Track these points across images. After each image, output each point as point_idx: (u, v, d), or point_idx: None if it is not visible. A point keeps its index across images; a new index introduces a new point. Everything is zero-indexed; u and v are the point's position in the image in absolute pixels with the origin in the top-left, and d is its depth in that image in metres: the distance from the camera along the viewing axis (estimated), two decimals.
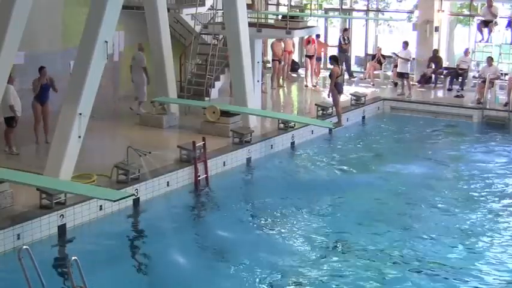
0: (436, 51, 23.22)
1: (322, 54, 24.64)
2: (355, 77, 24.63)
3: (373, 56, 24.69)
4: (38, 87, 15.10)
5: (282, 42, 23.22)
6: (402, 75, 21.85)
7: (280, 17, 20.83)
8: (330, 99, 18.34)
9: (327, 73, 21.17)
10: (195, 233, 12.16)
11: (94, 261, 10.10)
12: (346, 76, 23.86)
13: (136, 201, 12.92)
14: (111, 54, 16.97)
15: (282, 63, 23.29)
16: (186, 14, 20.79)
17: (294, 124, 17.27)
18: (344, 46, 24.38)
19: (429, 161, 16.55)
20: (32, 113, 15.23)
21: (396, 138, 19.13)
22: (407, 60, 21.99)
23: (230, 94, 19.65)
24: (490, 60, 20.86)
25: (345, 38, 24.54)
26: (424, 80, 23.40)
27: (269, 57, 24.54)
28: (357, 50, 26.12)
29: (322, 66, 24.89)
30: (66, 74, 17.03)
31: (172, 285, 10.23)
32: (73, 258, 8.13)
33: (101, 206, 12.19)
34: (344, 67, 23.05)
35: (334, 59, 18.28)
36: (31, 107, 15.21)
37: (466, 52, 22.68)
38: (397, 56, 22.16)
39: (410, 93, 21.64)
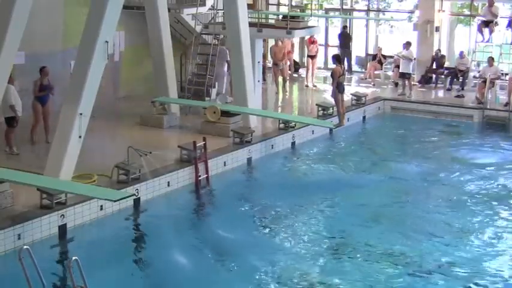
0: (438, 51, 23.27)
1: None
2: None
3: (374, 56, 24.70)
4: (38, 87, 15.07)
5: (280, 42, 23.09)
6: (404, 76, 21.84)
7: (280, 17, 20.82)
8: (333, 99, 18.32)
9: (328, 73, 21.14)
10: (196, 233, 12.15)
11: (94, 261, 10.08)
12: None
13: (136, 201, 12.92)
14: (112, 54, 16.96)
15: (281, 66, 22.86)
16: (187, 14, 20.78)
17: (295, 124, 17.26)
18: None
19: (430, 161, 16.53)
20: (32, 113, 15.21)
21: (397, 138, 19.14)
22: (410, 60, 21.97)
23: (231, 94, 19.65)
24: (491, 60, 20.85)
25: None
26: (425, 80, 23.40)
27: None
28: (357, 50, 26.12)
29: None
30: (66, 74, 17.03)
31: (173, 285, 10.23)
32: (73, 258, 8.14)
33: (101, 206, 12.18)
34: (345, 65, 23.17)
35: (336, 59, 18.19)
36: (31, 107, 15.18)
37: (462, 55, 22.67)
38: (401, 56, 22.05)
39: (410, 93, 21.63)
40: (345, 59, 24.79)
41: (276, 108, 20.50)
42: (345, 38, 25.19)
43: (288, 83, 22.56)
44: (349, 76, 24.30)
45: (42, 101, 15.18)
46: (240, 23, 16.51)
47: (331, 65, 22.98)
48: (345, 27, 25.47)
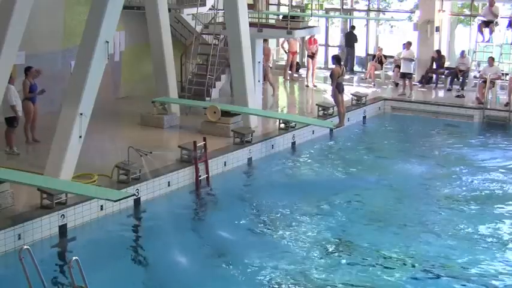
0: (438, 52, 23.29)
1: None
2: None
3: (374, 56, 24.69)
4: (27, 87, 15.00)
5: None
6: (405, 76, 21.84)
7: (281, 17, 20.82)
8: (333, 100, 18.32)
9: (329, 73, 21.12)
10: (196, 233, 12.16)
11: (95, 261, 10.10)
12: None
13: (137, 201, 12.92)
14: (112, 54, 16.95)
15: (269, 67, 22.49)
16: (187, 14, 20.81)
17: (295, 124, 17.26)
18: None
19: (430, 161, 16.53)
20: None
21: (397, 138, 19.12)
22: (411, 60, 21.96)
23: (231, 94, 19.65)
24: (491, 60, 20.86)
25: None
26: (425, 80, 23.40)
27: None
28: (358, 50, 26.12)
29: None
30: (66, 74, 17.06)
31: (173, 285, 10.23)
32: (74, 258, 8.16)
33: (101, 206, 12.18)
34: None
35: (336, 59, 18.19)
36: (22, 108, 14.99)
37: (463, 55, 22.66)
38: (402, 58, 22.04)
39: (411, 94, 21.63)
40: (348, 58, 24.90)
41: (276, 108, 20.49)
42: (351, 38, 25.23)
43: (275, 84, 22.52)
44: (350, 76, 24.30)
45: (33, 100, 15.10)
46: (240, 23, 16.50)
47: (331, 65, 22.97)
48: (353, 27, 25.49)
